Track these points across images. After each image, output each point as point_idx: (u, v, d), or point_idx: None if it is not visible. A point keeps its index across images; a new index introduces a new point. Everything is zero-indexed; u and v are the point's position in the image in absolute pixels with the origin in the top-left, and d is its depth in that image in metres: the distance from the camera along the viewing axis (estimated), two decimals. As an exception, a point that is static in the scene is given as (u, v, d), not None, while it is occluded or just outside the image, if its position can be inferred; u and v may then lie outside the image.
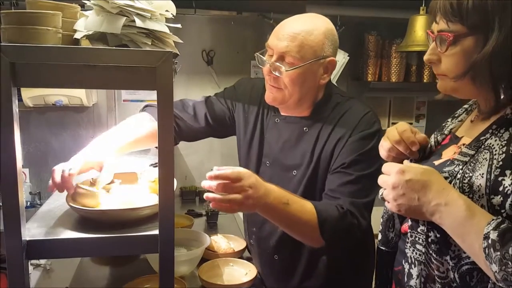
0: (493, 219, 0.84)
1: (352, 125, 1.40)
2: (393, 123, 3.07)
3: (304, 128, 1.46)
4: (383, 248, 1.17)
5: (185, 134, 1.61)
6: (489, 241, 0.82)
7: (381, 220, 1.16)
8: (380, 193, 1.02)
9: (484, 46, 0.90)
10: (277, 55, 1.37)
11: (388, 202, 0.98)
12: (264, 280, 1.64)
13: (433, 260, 0.97)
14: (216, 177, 1.17)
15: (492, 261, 0.82)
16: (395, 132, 1.09)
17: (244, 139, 1.59)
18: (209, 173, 1.18)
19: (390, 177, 0.95)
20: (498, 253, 0.81)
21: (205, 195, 1.19)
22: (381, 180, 0.99)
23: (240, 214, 2.19)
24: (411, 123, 3.14)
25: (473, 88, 0.96)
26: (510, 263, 0.79)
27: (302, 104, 1.45)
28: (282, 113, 1.52)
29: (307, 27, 1.35)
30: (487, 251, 0.82)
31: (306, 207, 1.29)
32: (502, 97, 0.93)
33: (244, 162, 1.61)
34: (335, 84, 2.51)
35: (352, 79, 3.00)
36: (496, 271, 0.82)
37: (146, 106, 1.57)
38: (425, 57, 1.01)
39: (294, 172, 1.46)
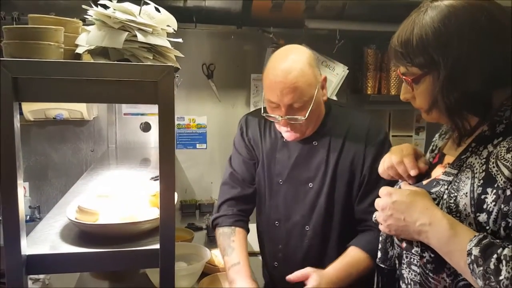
0: (475, 236, 0.87)
1: (362, 137, 1.50)
2: (393, 136, 3.11)
3: (314, 142, 1.53)
4: (383, 266, 1.17)
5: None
6: (472, 257, 0.85)
7: (380, 239, 1.17)
8: (374, 216, 1.06)
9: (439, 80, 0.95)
10: (286, 108, 1.42)
11: (381, 224, 1.03)
12: None
13: (430, 279, 0.99)
14: None
15: (476, 276, 0.85)
16: (400, 154, 1.11)
17: (259, 164, 1.64)
18: None
19: (380, 199, 1.02)
20: (481, 268, 0.83)
21: None
22: (375, 203, 1.04)
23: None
24: (410, 136, 3.15)
25: (444, 118, 1.00)
26: (492, 277, 0.82)
27: (315, 126, 1.53)
28: None
29: (298, 71, 1.40)
30: (471, 267, 0.85)
31: (359, 260, 1.43)
32: (471, 120, 0.98)
33: (257, 186, 1.65)
34: (335, 97, 2.54)
35: (351, 92, 3.00)
36: (481, 286, 0.84)
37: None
38: (401, 97, 1.07)
39: (310, 185, 1.52)
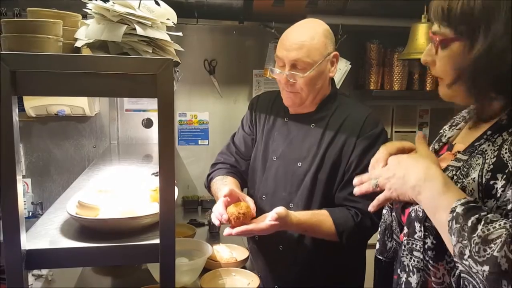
0: (465, 197, 0.86)
1: (358, 126, 1.53)
2: (396, 132, 3.10)
3: (311, 125, 1.60)
4: (381, 258, 1.17)
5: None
6: (454, 214, 0.84)
7: (379, 229, 1.16)
8: (376, 181, 1.03)
9: (470, 52, 0.91)
10: (289, 64, 1.50)
11: (378, 185, 1.01)
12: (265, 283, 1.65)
13: (429, 266, 0.97)
14: None
15: (452, 233, 0.84)
16: (384, 155, 1.07)
17: (257, 143, 1.73)
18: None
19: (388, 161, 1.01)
20: (459, 225, 0.82)
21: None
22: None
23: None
24: (414, 132, 3.13)
25: (467, 95, 0.97)
26: (466, 234, 0.81)
27: (315, 99, 1.59)
28: (290, 112, 1.65)
29: (309, 34, 1.50)
30: (450, 223, 0.84)
31: (324, 226, 1.47)
32: (494, 104, 0.95)
33: (252, 160, 1.73)
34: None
35: (354, 88, 2.99)
36: (454, 244, 0.83)
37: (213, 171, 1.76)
38: (422, 58, 1.04)
39: (299, 164, 1.57)
